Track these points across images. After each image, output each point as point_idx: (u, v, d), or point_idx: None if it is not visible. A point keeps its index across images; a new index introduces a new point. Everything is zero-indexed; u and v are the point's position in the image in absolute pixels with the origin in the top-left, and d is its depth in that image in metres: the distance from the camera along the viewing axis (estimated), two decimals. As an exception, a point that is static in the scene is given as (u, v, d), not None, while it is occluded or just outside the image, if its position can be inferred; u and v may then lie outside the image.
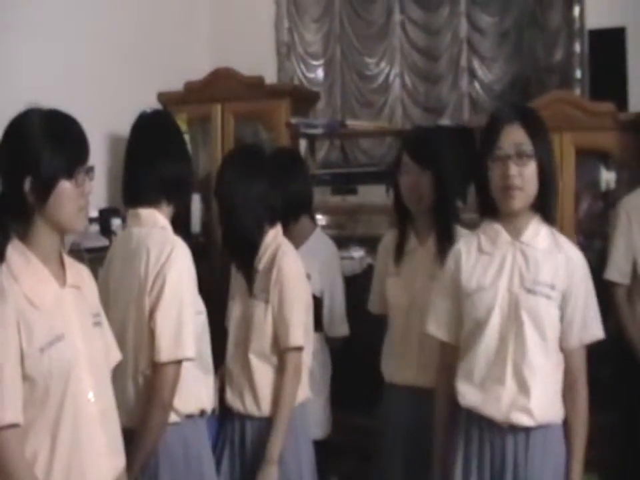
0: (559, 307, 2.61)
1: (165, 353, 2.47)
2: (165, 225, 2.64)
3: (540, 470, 2.57)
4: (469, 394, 2.64)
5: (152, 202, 2.65)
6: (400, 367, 3.18)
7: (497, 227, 2.66)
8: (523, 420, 2.56)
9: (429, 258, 3.13)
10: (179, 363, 2.49)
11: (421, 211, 3.18)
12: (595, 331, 2.67)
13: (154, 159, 2.64)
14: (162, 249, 2.52)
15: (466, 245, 2.74)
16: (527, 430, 2.58)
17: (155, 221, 2.63)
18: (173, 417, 2.54)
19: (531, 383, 2.56)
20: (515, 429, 2.58)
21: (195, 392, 2.61)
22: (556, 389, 2.63)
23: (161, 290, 2.48)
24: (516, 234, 2.63)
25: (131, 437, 2.33)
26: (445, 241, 3.07)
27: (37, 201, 2.05)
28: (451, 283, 2.73)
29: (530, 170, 2.56)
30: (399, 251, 3.24)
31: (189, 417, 2.60)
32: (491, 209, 2.66)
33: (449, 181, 3.15)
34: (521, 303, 2.58)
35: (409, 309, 3.15)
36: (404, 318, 3.17)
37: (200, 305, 2.68)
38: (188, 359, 2.51)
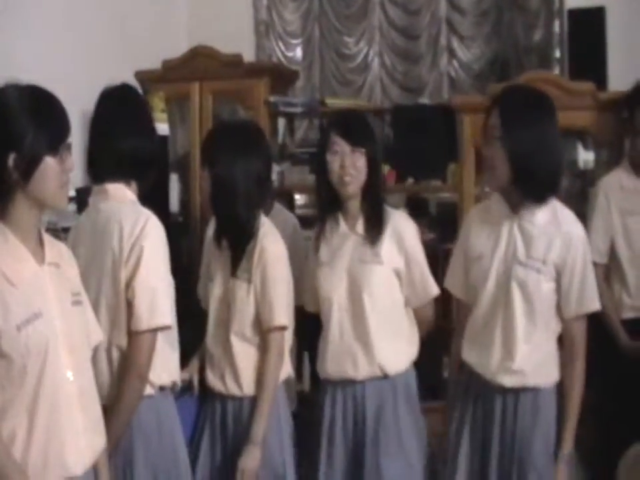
0: (552, 279, 2.76)
1: (145, 321, 2.48)
2: (134, 199, 2.63)
3: (530, 432, 2.75)
4: (467, 351, 2.89)
5: (117, 177, 2.62)
6: (338, 358, 3.02)
7: (501, 200, 2.82)
8: (507, 381, 2.76)
9: (360, 242, 3.03)
10: (155, 332, 2.50)
11: (350, 194, 3.02)
12: (592, 302, 2.82)
13: (114, 134, 2.61)
14: (135, 221, 2.52)
15: (478, 212, 2.98)
16: (515, 391, 2.77)
17: (123, 195, 2.61)
18: (148, 390, 2.54)
19: (516, 348, 2.75)
20: (504, 389, 2.78)
21: (166, 364, 2.62)
22: (546, 354, 2.79)
23: (138, 261, 2.48)
24: (516, 208, 2.78)
25: (105, 413, 2.31)
26: (375, 223, 3.01)
27: (20, 177, 2.03)
28: (462, 245, 2.96)
29: (495, 150, 2.70)
30: (322, 240, 3.09)
31: (162, 389, 2.61)
32: None
33: (380, 161, 3.09)
34: (512, 274, 2.76)
35: (344, 299, 3.01)
36: (339, 308, 3.01)
37: (170, 280, 2.66)
38: (166, 327, 2.52)
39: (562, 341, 2.85)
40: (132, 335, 2.49)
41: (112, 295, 2.52)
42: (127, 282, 2.50)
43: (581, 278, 2.77)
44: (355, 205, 3.05)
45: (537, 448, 2.75)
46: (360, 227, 3.04)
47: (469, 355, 2.88)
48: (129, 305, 2.49)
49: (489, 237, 2.83)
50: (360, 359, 2.97)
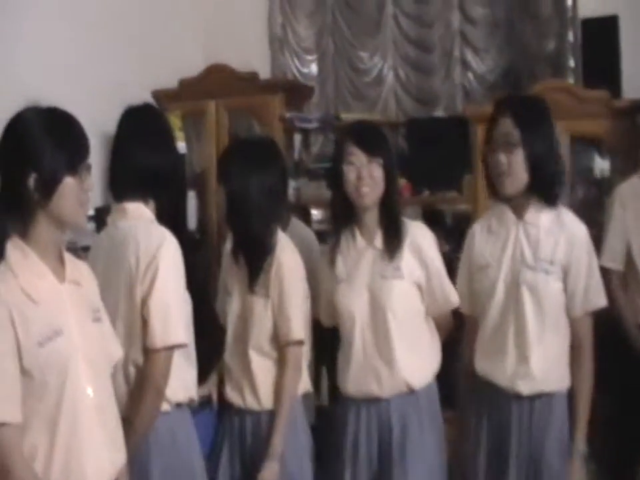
0: (560, 279, 2.82)
1: (159, 338, 2.49)
2: (152, 218, 2.65)
3: (543, 436, 2.78)
4: (480, 362, 2.91)
5: (136, 196, 2.64)
6: (361, 376, 2.96)
7: (504, 207, 2.90)
8: (525, 387, 2.80)
9: (379, 256, 2.98)
10: (171, 349, 2.51)
11: (366, 206, 2.97)
12: (598, 299, 2.88)
13: (135, 153, 2.64)
14: (151, 239, 2.54)
15: (480, 224, 3.01)
16: (530, 398, 2.80)
17: (141, 214, 2.64)
18: (164, 406, 2.56)
19: (530, 352, 2.80)
20: (519, 396, 2.81)
21: (183, 380, 2.63)
22: (559, 357, 2.84)
23: (153, 279, 2.49)
24: (520, 214, 2.86)
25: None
26: (394, 236, 2.97)
27: (41, 197, 2.06)
28: (467, 260, 3.00)
29: (516, 158, 2.77)
30: (337, 254, 3.03)
31: (178, 405, 2.62)
32: (497, 191, 2.89)
33: (396, 173, 3.04)
34: (522, 278, 2.82)
35: (367, 316, 2.95)
36: (361, 325, 2.96)
37: (187, 297, 2.68)
38: (180, 345, 2.53)
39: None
40: (148, 352, 2.51)
41: (128, 312, 2.54)
42: (142, 299, 2.51)
43: (586, 275, 2.83)
44: (371, 217, 3.00)
45: (550, 449, 2.78)
46: (378, 240, 2.99)
47: (482, 365, 2.90)
48: (144, 322, 2.51)
49: (495, 246, 2.89)
50: (384, 377, 2.93)
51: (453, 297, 3.03)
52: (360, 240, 3.02)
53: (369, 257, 3.00)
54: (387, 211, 2.99)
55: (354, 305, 2.97)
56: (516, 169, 2.77)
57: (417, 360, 2.96)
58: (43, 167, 2.05)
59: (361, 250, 3.01)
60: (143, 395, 2.49)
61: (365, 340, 2.96)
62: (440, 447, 3.01)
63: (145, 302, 2.51)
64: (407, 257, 2.97)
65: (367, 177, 2.92)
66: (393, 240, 2.96)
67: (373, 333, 2.95)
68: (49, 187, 2.06)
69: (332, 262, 3.05)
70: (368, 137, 3.02)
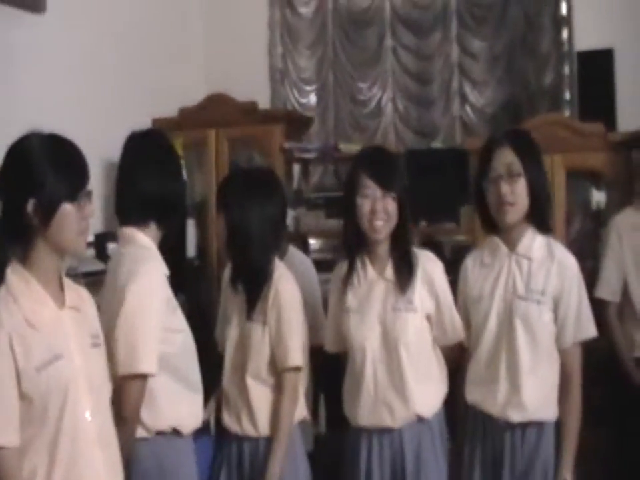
0: (551, 310, 2.86)
1: (122, 366, 2.45)
2: (145, 244, 2.64)
3: (531, 463, 2.81)
4: (472, 391, 2.94)
5: (138, 221, 2.66)
6: (374, 409, 2.94)
7: (497, 240, 2.95)
8: (516, 415, 2.83)
9: (390, 289, 2.95)
10: (140, 377, 2.47)
11: (379, 238, 2.94)
12: (588, 329, 2.90)
13: (138, 178, 2.65)
14: (131, 266, 2.54)
15: (472, 259, 3.05)
16: (522, 426, 2.83)
17: (133, 239, 2.64)
18: (142, 432, 2.54)
19: (522, 381, 2.82)
20: (511, 425, 2.84)
21: (168, 410, 2.59)
22: (550, 387, 2.86)
23: (121, 303, 2.48)
24: (512, 246, 2.91)
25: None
26: (406, 268, 2.94)
27: (39, 223, 2.09)
28: (461, 293, 3.04)
29: (520, 187, 2.84)
30: (351, 284, 3.00)
31: (160, 433, 2.59)
32: (491, 224, 2.95)
33: (408, 205, 2.95)
34: (514, 309, 2.86)
35: (378, 349, 2.93)
36: (372, 358, 2.93)
37: (177, 324, 2.64)
38: (145, 375, 2.48)
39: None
40: (117, 378, 2.44)
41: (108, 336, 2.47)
42: (113, 325, 2.49)
43: (576, 306, 2.88)
44: (383, 249, 2.97)
45: (537, 477, 2.81)
46: (389, 272, 2.96)
47: (474, 395, 2.93)
48: (113, 348, 2.46)
49: (487, 278, 2.94)
50: (397, 409, 2.90)
51: (460, 329, 3.01)
52: (371, 270, 2.99)
53: (381, 289, 2.97)
54: (398, 243, 2.96)
55: (366, 337, 2.94)
56: (518, 198, 2.83)
57: (428, 390, 2.95)
58: (41, 193, 2.07)
59: (372, 280, 2.98)
60: (116, 421, 2.38)
61: (376, 372, 2.93)
62: (446, 473, 3.00)
63: (112, 329, 2.47)
64: (419, 289, 2.94)
65: (381, 210, 2.89)
66: (405, 272, 2.93)
67: (384, 365, 2.92)
68: (47, 213, 2.08)
69: (344, 291, 3.01)
70: (383, 169, 2.95)
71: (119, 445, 2.35)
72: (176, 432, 2.63)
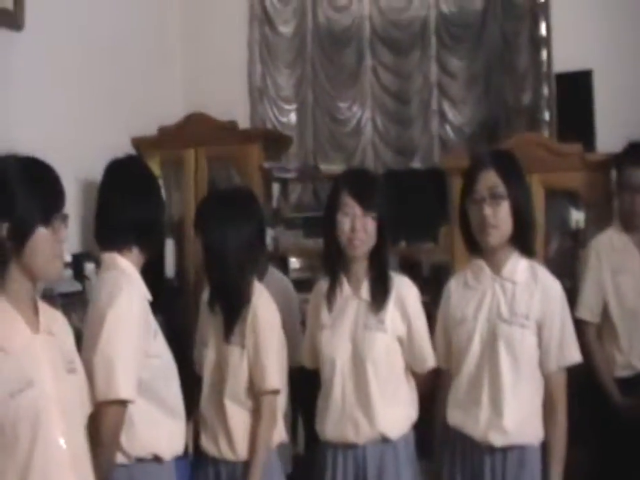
0: (535, 334, 2.84)
1: (99, 392, 2.42)
2: (125, 268, 2.63)
3: None
4: (453, 414, 2.91)
5: (119, 246, 2.65)
6: (339, 423, 2.98)
7: (481, 263, 2.93)
8: (498, 439, 2.80)
9: (363, 307, 3.00)
10: (119, 403, 2.45)
11: (357, 256, 3.00)
12: (572, 354, 2.89)
13: (120, 204, 2.65)
14: (109, 291, 2.53)
15: (456, 280, 3.02)
16: (503, 450, 2.81)
17: (113, 264, 2.63)
18: (121, 458, 2.52)
19: (504, 405, 2.80)
20: (492, 448, 2.81)
21: (146, 436, 2.57)
22: (533, 411, 2.84)
23: (99, 330, 2.47)
24: (497, 269, 2.89)
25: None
26: (381, 289, 2.99)
27: (13, 247, 2.07)
28: (443, 316, 3.01)
29: (503, 210, 2.82)
30: (332, 301, 3.04)
31: (140, 460, 2.57)
32: (475, 245, 2.92)
33: (388, 226, 3.01)
34: (498, 332, 2.83)
35: (347, 364, 2.97)
36: (341, 373, 2.98)
37: (156, 349, 2.62)
38: (123, 401, 2.46)
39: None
40: (95, 404, 2.41)
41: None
42: (92, 350, 2.47)
43: (560, 330, 2.85)
44: (360, 267, 3.02)
45: None
46: (364, 291, 3.01)
47: (455, 417, 2.90)
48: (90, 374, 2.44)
49: (471, 301, 2.91)
50: (361, 425, 2.94)
51: (429, 358, 3.03)
52: (347, 288, 3.04)
53: (354, 307, 3.02)
54: (376, 262, 3.01)
55: (336, 352, 2.98)
56: (501, 221, 2.81)
57: (394, 412, 2.97)
58: (15, 216, 2.06)
59: (346, 298, 3.03)
60: (94, 447, 2.36)
61: (344, 387, 2.97)
62: None
63: (90, 355, 2.46)
64: (391, 311, 2.99)
65: (360, 229, 2.95)
66: (380, 292, 2.98)
67: (353, 382, 2.97)
68: (20, 237, 2.07)
69: (323, 307, 3.06)
70: (364, 189, 3.01)
71: (97, 470, 2.33)
72: (156, 458, 2.60)
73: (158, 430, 2.60)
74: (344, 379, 2.97)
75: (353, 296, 3.03)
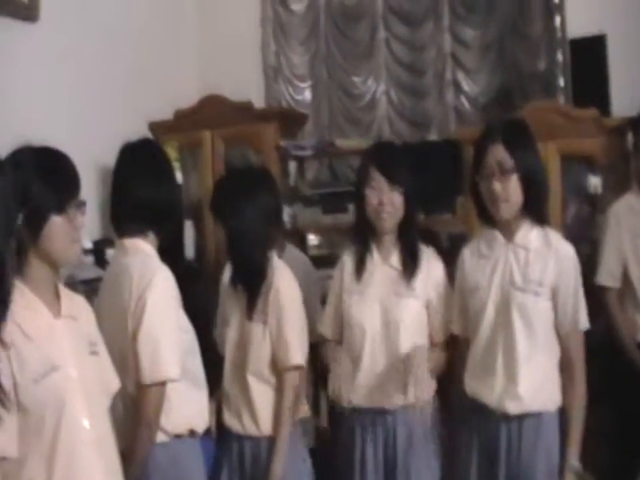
0: (549, 299, 2.85)
1: (148, 374, 2.51)
2: (149, 252, 2.69)
3: (532, 455, 2.79)
4: (469, 382, 2.94)
5: (136, 231, 2.70)
6: (369, 389, 3.05)
7: (494, 231, 2.94)
8: (513, 407, 2.81)
9: (394, 275, 3.10)
10: (162, 384, 2.53)
11: (385, 228, 3.11)
12: (583, 320, 2.89)
13: (135, 189, 2.69)
14: (143, 274, 2.58)
15: (469, 249, 3.05)
16: (519, 418, 2.82)
17: (137, 248, 2.68)
18: (162, 437, 2.58)
19: (518, 372, 2.81)
20: (508, 416, 2.82)
21: (183, 412, 2.64)
22: (548, 377, 2.85)
23: (142, 313, 2.53)
24: (510, 236, 2.89)
25: (122, 458, 2.36)
26: (412, 258, 3.08)
27: (29, 235, 2.10)
28: (459, 284, 3.05)
29: (513, 183, 2.81)
30: (361, 269, 3.14)
31: (178, 436, 2.64)
32: (488, 216, 2.93)
33: (415, 199, 3.12)
34: (511, 299, 2.85)
35: (378, 329, 3.06)
36: (372, 339, 3.06)
37: (186, 324, 2.71)
38: (171, 380, 2.54)
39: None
40: (140, 386, 2.52)
41: (121, 344, 2.56)
42: (132, 334, 2.55)
43: (575, 291, 2.86)
44: (390, 238, 3.12)
45: (539, 468, 2.80)
46: (394, 259, 3.10)
47: (472, 385, 2.93)
48: (135, 357, 2.53)
49: (485, 268, 2.93)
50: (392, 391, 2.99)
51: (442, 331, 3.12)
52: (377, 256, 3.13)
53: (384, 274, 3.11)
54: (405, 234, 3.12)
55: (365, 318, 3.06)
56: (511, 194, 2.82)
57: (422, 375, 2.97)
58: (29, 205, 2.09)
59: (376, 265, 3.12)
60: (136, 428, 2.50)
61: (375, 354, 3.04)
62: (437, 458, 3.08)
63: (135, 337, 2.54)
64: (421, 279, 3.08)
65: (387, 203, 3.05)
66: (410, 262, 3.07)
67: (384, 348, 3.04)
68: (35, 225, 2.11)
69: (357, 276, 3.14)
70: (390, 164, 3.10)
71: (137, 450, 2.44)
72: (191, 433, 2.68)
73: (192, 405, 2.69)
74: (374, 345, 3.04)
75: (383, 264, 3.11)
